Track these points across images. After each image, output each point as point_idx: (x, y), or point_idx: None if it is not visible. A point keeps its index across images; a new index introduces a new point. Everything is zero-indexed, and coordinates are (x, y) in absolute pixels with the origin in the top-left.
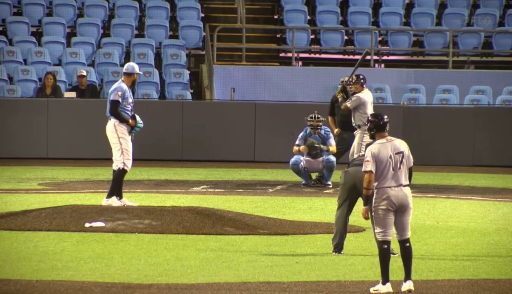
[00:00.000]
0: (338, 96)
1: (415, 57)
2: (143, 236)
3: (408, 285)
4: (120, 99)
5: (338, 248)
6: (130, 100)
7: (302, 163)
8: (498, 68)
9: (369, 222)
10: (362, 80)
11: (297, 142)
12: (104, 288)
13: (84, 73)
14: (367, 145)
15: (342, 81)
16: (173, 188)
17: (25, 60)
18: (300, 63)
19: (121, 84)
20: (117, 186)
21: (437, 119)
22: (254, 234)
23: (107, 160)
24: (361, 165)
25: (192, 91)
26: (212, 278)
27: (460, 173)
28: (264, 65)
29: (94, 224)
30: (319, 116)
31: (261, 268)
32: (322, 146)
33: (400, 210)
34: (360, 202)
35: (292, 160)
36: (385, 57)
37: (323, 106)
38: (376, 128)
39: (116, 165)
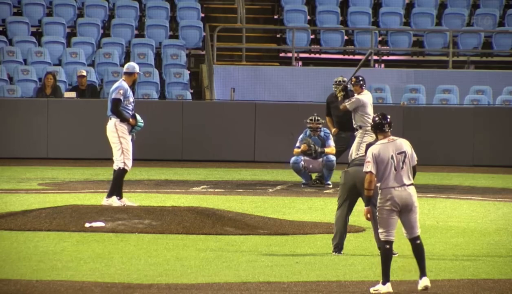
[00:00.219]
0: (338, 95)
1: (415, 57)
2: (143, 236)
3: (424, 282)
4: (121, 98)
5: (338, 248)
6: (131, 99)
7: (302, 163)
8: (498, 68)
9: (369, 222)
10: (361, 82)
11: (297, 144)
12: (104, 288)
13: (84, 73)
14: (368, 145)
15: (336, 82)
16: (173, 188)
17: (25, 60)
18: (300, 63)
19: (123, 83)
20: (117, 185)
21: (437, 119)
22: (254, 234)
23: (107, 160)
24: (361, 165)
25: (192, 91)
26: (212, 278)
27: (460, 173)
28: (264, 65)
29: (94, 224)
30: (319, 118)
31: (261, 268)
32: (317, 147)
33: (405, 209)
34: (360, 201)
35: (293, 159)
36: (385, 57)
37: (323, 106)
38: (378, 128)
39: (117, 164)
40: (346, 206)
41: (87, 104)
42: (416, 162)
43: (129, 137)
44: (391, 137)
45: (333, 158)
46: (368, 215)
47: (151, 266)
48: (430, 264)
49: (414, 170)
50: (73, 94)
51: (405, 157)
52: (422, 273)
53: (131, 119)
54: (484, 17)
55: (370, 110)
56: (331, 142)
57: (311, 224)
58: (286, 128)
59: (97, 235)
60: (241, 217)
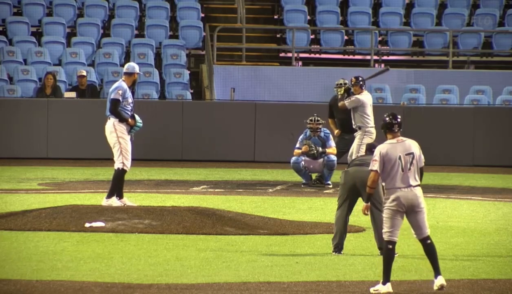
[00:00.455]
0: (339, 93)
1: (415, 57)
2: (143, 236)
3: (440, 281)
4: (120, 98)
5: (338, 248)
6: (130, 100)
7: (302, 162)
8: (498, 68)
9: (369, 222)
10: (361, 82)
11: (297, 145)
12: (104, 288)
13: (84, 73)
14: (368, 145)
15: (337, 84)
16: (173, 188)
17: (25, 60)
18: (300, 63)
19: (122, 84)
20: (117, 186)
21: (437, 119)
22: (254, 234)
23: (107, 160)
24: (361, 165)
25: (192, 91)
26: (212, 278)
27: (460, 173)
28: (264, 65)
29: (94, 224)
30: (319, 119)
31: (261, 268)
32: (319, 148)
33: (411, 210)
34: (360, 201)
35: (293, 158)
36: (385, 57)
37: (323, 106)
38: (388, 127)
39: (116, 165)
40: (346, 206)
41: (87, 104)
42: (423, 164)
43: (128, 137)
44: (400, 138)
45: (334, 157)
46: (366, 211)
47: (151, 266)
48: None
49: (421, 172)
50: (73, 94)
51: (413, 158)
52: (437, 273)
53: (130, 120)
54: (484, 17)
55: (369, 111)
56: (332, 142)
57: (311, 224)
58: (286, 128)
59: (97, 235)
60: (241, 217)
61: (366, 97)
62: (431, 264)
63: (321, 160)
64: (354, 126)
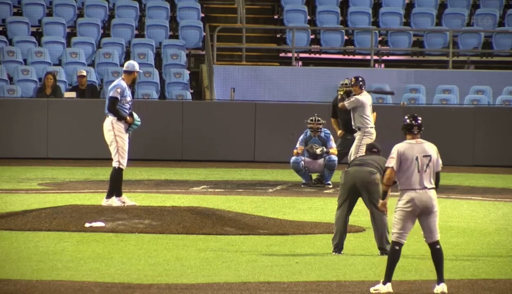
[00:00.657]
0: (340, 93)
1: (415, 57)
2: (143, 236)
3: (441, 288)
4: (119, 96)
5: (338, 248)
6: (129, 99)
7: (302, 162)
8: (498, 68)
9: (369, 222)
10: (361, 83)
11: (297, 145)
12: (104, 288)
13: (84, 73)
14: (368, 146)
15: (342, 84)
16: (173, 188)
17: (25, 60)
18: (300, 63)
19: (121, 82)
20: (115, 185)
21: (437, 119)
22: (254, 234)
23: (107, 159)
24: (361, 165)
25: (192, 91)
26: (212, 278)
27: (460, 173)
28: (264, 65)
29: (94, 224)
30: (319, 119)
31: (261, 268)
32: (323, 147)
33: (424, 212)
34: (360, 201)
35: (293, 158)
36: (385, 57)
37: (323, 106)
38: (407, 128)
39: (113, 164)
40: (346, 206)
41: (87, 104)
42: (440, 168)
43: (126, 136)
44: (419, 140)
45: (334, 158)
46: (383, 207)
47: (151, 266)
48: (430, 264)
49: (438, 176)
50: (73, 94)
51: (430, 160)
52: (440, 279)
53: (128, 118)
54: (484, 17)
55: (369, 111)
56: (332, 143)
57: (311, 224)
58: (286, 128)
59: (97, 235)
60: (241, 217)
61: (365, 98)
62: (436, 269)
63: (321, 160)
64: (353, 127)
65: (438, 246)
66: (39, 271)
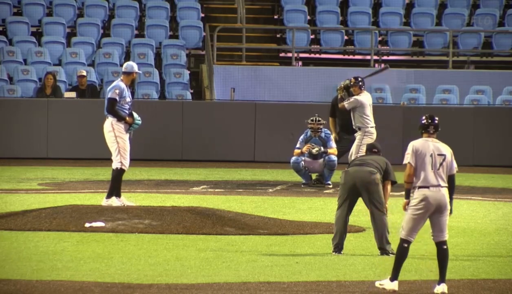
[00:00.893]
0: (339, 93)
1: (415, 57)
2: (143, 236)
3: (442, 288)
4: (117, 98)
5: (338, 248)
6: (128, 99)
7: (302, 162)
8: (498, 68)
9: (369, 222)
10: (360, 83)
11: (298, 145)
12: (104, 288)
13: (84, 73)
14: (368, 146)
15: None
16: (173, 188)
17: (25, 60)
18: (300, 63)
19: (119, 83)
20: (115, 185)
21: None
22: (254, 234)
23: (107, 160)
24: (361, 165)
25: (192, 91)
26: (212, 278)
27: (460, 173)
28: (264, 65)
29: (94, 224)
30: (320, 119)
31: (261, 268)
32: (321, 147)
33: (438, 210)
34: (360, 201)
35: (293, 158)
36: (385, 57)
37: (323, 106)
38: (424, 127)
39: (114, 164)
40: (346, 206)
41: (87, 104)
42: (455, 172)
43: (126, 137)
44: (435, 139)
45: (334, 157)
46: (406, 207)
47: (151, 266)
48: (430, 264)
49: (453, 178)
50: (73, 94)
51: (443, 159)
52: (442, 279)
53: (127, 118)
54: (484, 17)
55: (369, 111)
56: (332, 143)
57: (311, 224)
58: (286, 128)
59: (97, 235)
60: (241, 217)
61: (365, 98)
62: (439, 269)
63: (321, 160)
64: (354, 127)
65: (445, 246)
66: (39, 271)
